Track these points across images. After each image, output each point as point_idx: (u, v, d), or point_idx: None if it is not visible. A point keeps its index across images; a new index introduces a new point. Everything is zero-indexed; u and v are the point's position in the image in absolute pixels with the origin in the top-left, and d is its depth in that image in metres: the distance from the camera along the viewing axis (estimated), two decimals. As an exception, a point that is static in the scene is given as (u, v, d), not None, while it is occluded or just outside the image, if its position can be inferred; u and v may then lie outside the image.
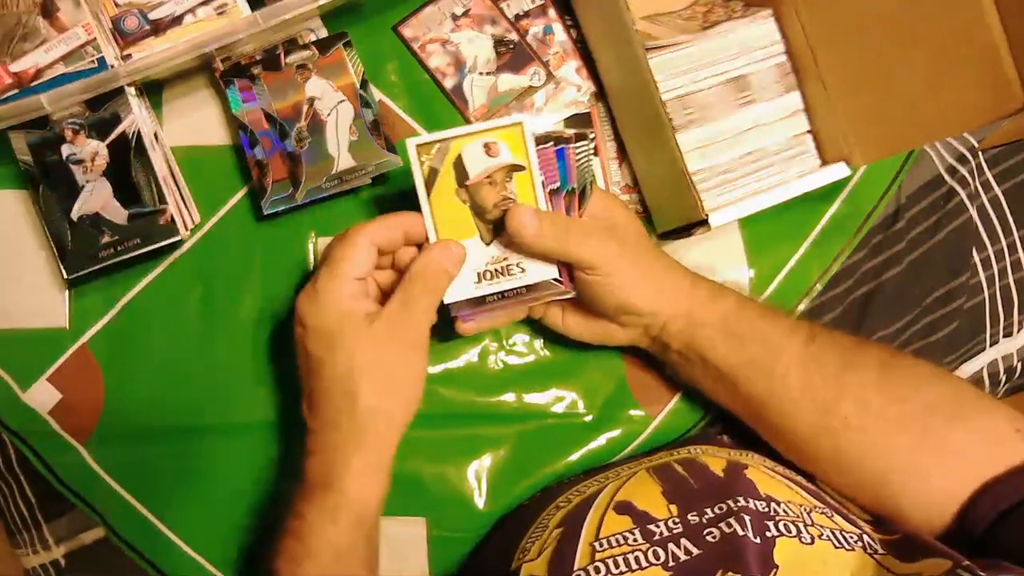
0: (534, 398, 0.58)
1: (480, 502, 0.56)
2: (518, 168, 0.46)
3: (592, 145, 0.47)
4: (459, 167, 0.46)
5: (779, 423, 0.49)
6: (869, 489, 0.46)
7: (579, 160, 0.47)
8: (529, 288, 0.48)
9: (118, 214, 0.52)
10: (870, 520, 0.44)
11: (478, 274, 0.48)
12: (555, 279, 0.48)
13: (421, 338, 0.47)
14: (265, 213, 0.53)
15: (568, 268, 0.48)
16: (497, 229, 0.47)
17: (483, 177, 0.46)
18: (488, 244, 0.47)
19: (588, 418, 0.58)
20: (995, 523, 0.41)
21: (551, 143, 0.47)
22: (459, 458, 0.56)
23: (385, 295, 0.48)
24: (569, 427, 0.58)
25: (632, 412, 0.58)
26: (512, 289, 0.48)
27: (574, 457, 0.58)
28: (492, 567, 0.51)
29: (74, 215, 0.51)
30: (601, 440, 0.58)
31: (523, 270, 0.48)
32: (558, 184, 0.47)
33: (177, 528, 0.55)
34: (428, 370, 0.57)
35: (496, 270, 0.47)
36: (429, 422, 0.56)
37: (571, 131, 0.48)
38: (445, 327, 0.51)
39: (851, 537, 0.39)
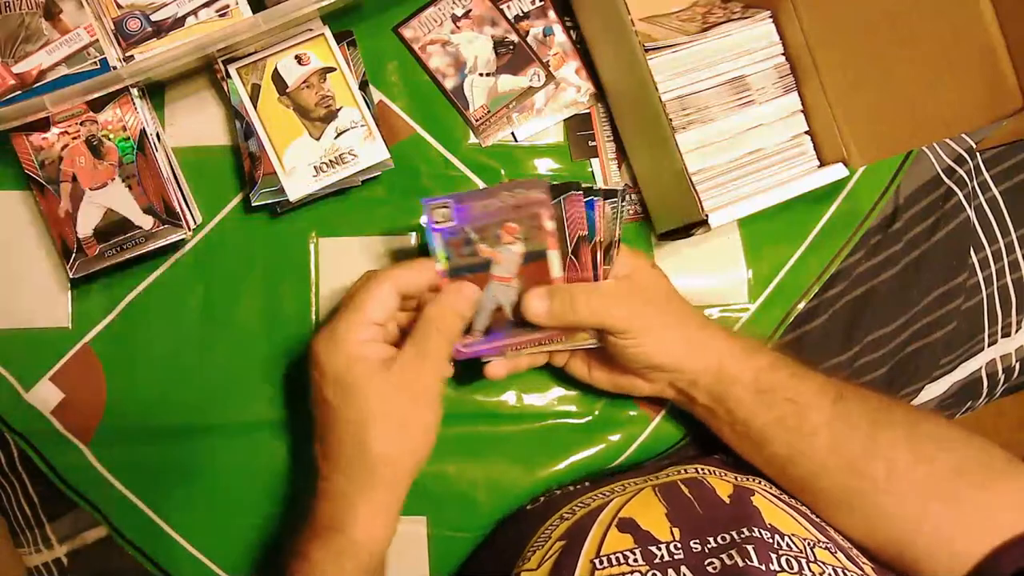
0: (535, 399, 0.58)
1: (481, 502, 0.56)
2: (330, 70, 0.54)
3: (625, 205, 0.49)
4: (277, 78, 0.53)
5: (806, 481, 0.49)
6: (892, 548, 0.46)
7: (609, 215, 0.49)
8: (553, 337, 0.49)
9: (120, 214, 0.52)
10: (876, 568, 0.44)
11: (315, 167, 0.52)
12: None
13: (433, 388, 0.46)
14: (253, 204, 0.53)
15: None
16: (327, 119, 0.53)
17: (300, 83, 0.52)
18: (317, 139, 0.52)
19: (588, 418, 0.58)
20: None
21: (580, 193, 0.48)
22: (460, 458, 0.57)
23: (404, 336, 0.48)
24: (570, 427, 0.58)
25: (631, 412, 0.59)
26: (534, 339, 0.49)
27: (575, 458, 0.58)
28: (492, 570, 0.51)
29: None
30: (602, 441, 0.58)
31: (355, 156, 0.52)
32: (586, 233, 0.48)
33: (179, 527, 0.55)
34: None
35: (331, 160, 0.51)
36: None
37: (608, 187, 0.49)
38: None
39: None
